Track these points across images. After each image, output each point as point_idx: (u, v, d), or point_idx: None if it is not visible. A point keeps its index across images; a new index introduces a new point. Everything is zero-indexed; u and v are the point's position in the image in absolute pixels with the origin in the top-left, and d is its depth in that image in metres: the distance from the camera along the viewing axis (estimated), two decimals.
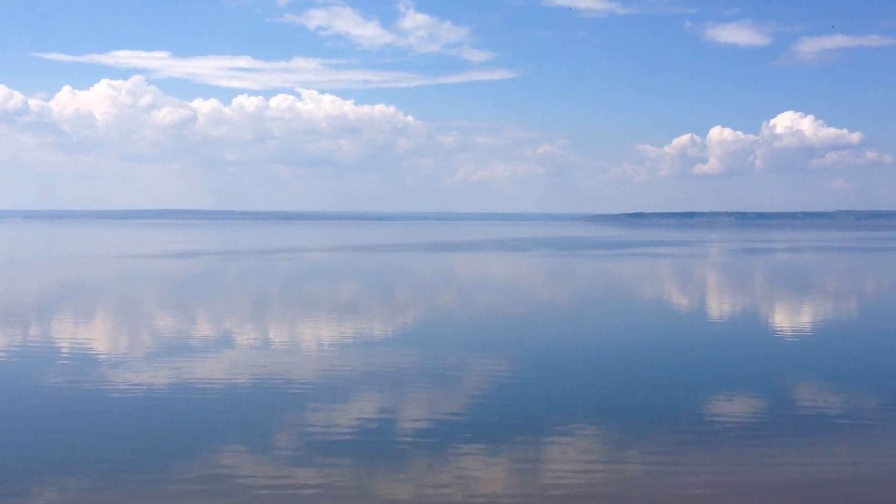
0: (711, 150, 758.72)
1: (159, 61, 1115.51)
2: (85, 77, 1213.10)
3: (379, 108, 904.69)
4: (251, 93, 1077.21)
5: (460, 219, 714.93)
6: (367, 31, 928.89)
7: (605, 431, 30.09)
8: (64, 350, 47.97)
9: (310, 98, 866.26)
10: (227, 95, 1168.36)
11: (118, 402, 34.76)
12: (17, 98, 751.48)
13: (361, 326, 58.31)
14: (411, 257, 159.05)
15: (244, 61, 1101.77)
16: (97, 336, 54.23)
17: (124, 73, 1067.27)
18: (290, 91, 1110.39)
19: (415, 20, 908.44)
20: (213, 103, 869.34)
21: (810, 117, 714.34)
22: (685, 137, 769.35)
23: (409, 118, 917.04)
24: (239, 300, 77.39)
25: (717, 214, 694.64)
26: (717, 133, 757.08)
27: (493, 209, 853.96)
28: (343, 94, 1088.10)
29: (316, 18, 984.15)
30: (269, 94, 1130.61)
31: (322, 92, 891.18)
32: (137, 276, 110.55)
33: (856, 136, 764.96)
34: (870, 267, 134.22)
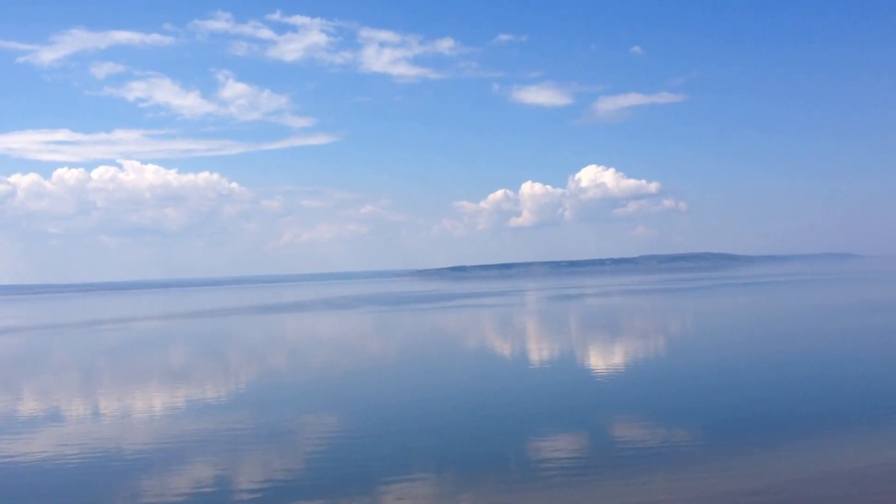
0: (524, 204, 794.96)
1: None
2: None
3: (203, 176, 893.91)
4: (72, 165, 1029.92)
5: (288, 280, 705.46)
6: (188, 102, 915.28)
7: (439, 482, 30.69)
8: None
9: (132, 168, 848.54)
10: (46, 169, 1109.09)
11: None
12: None
13: (194, 393, 56.82)
14: (240, 321, 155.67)
15: (63, 134, 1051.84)
16: None
17: None
18: (112, 162, 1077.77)
19: (235, 89, 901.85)
20: (32, 177, 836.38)
21: (611, 170, 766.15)
22: (499, 193, 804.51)
23: (234, 185, 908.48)
24: (66, 374, 73.52)
25: (532, 264, 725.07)
26: (529, 188, 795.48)
27: (320, 269, 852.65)
28: (166, 163, 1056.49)
29: (135, 90, 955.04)
30: (90, 166, 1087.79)
31: (144, 162, 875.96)
32: None
33: (653, 186, 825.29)
34: (672, 308, 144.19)
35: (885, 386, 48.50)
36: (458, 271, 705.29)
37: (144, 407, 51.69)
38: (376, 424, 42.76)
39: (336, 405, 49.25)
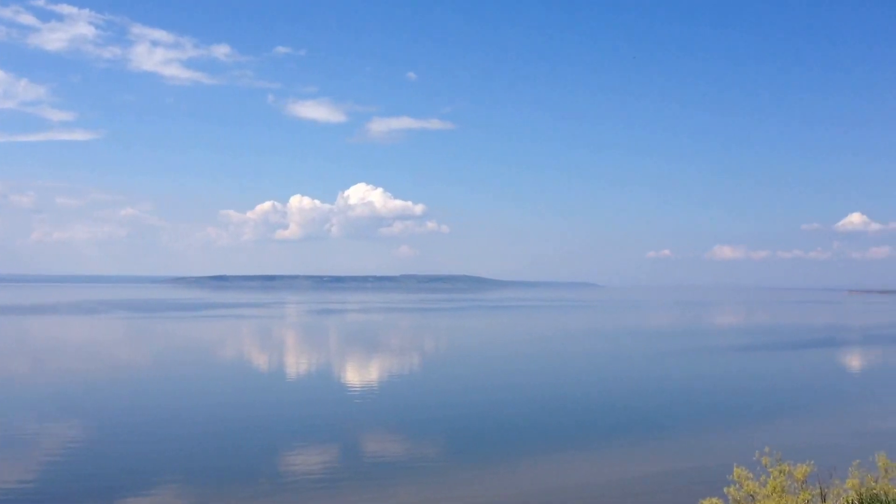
0: (292, 217, 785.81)
1: None
2: None
3: None
4: None
5: (37, 281, 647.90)
6: None
7: (183, 494, 30.46)
8: None
9: None
10: None
11: None
12: None
13: None
14: None
15: None
16: None
17: None
18: None
19: None
20: None
21: (380, 189, 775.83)
22: (267, 204, 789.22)
23: None
24: None
25: (296, 277, 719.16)
26: (298, 201, 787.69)
27: (72, 271, 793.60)
28: None
29: None
30: None
31: None
32: None
33: (419, 208, 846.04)
34: (427, 327, 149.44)
35: (618, 406, 54.06)
36: (220, 280, 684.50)
37: None
38: (120, 435, 41.44)
39: (78, 414, 46.98)
